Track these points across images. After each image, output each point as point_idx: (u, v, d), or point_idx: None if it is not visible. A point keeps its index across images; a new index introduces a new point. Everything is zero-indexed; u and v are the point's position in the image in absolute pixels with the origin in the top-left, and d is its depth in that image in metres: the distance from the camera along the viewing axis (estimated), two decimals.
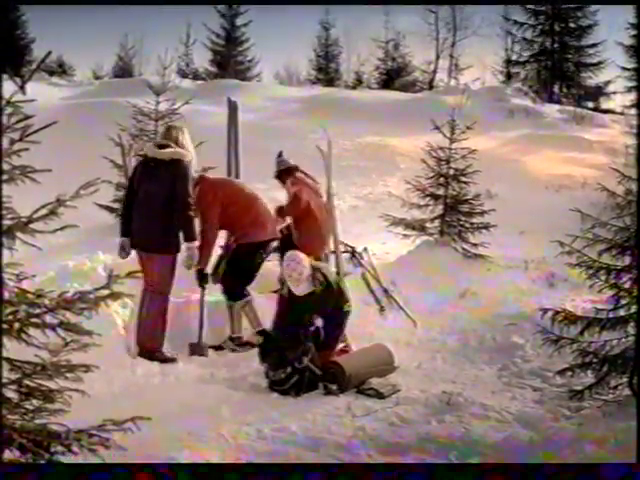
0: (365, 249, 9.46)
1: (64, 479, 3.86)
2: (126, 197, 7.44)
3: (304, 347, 6.48)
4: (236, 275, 7.62)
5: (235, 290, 7.60)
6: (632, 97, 28.95)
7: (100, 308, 4.02)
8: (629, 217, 5.89)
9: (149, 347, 6.92)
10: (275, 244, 7.90)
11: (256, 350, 6.85)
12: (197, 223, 7.32)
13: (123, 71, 38.35)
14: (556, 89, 33.05)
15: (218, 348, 7.43)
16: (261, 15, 49.20)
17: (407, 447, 5.10)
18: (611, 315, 5.91)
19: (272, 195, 9.26)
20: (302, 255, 6.82)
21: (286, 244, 7.92)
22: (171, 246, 7.05)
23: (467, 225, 10.08)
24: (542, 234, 10.03)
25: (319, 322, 6.79)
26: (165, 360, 6.87)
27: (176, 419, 5.35)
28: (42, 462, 3.87)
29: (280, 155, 8.76)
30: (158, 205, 6.98)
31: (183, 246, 7.09)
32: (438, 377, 6.84)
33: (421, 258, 9.66)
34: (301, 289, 6.66)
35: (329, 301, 6.78)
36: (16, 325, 3.85)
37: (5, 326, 3.82)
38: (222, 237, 7.90)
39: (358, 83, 36.61)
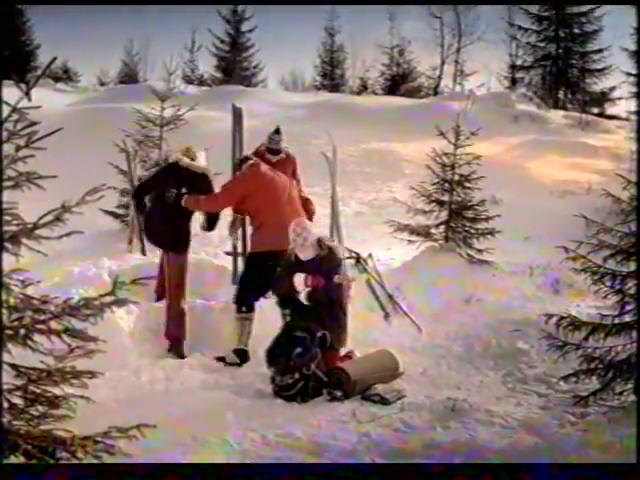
0: (370, 255, 9.46)
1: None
2: (142, 190, 8.14)
3: (312, 353, 6.48)
4: (240, 283, 7.68)
5: (235, 298, 7.57)
6: (637, 102, 28.87)
7: (105, 314, 4.02)
8: (634, 223, 5.88)
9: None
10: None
11: (261, 357, 6.84)
12: None
13: (128, 77, 38.43)
14: (561, 95, 33.06)
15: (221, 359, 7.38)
16: (266, 21, 49.39)
17: (412, 453, 5.10)
18: (616, 321, 5.91)
19: None
20: (307, 222, 7.18)
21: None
22: (187, 245, 7.77)
23: (472, 231, 10.07)
24: (547, 240, 10.03)
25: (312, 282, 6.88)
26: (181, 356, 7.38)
27: (181, 425, 5.34)
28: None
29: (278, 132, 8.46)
30: (183, 209, 7.64)
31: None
32: (443, 383, 6.82)
33: (426, 264, 9.65)
34: (306, 254, 6.91)
35: (330, 264, 6.95)
36: (22, 331, 3.86)
37: (10, 332, 3.83)
38: None
39: (363, 89, 36.60)
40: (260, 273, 7.46)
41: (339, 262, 7.09)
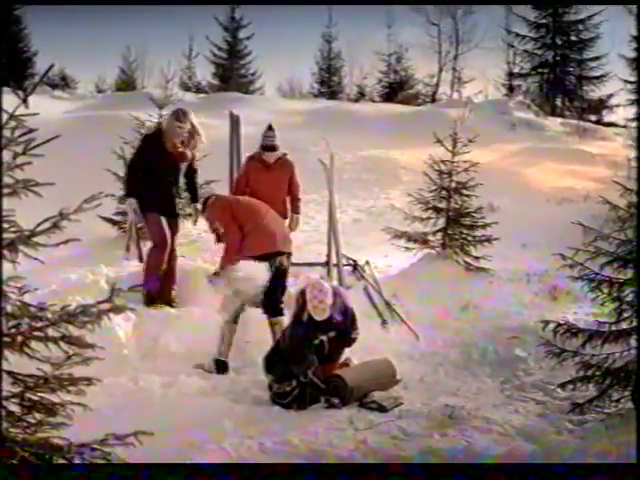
0: (367, 262, 9.46)
1: None
2: None
3: (308, 361, 6.47)
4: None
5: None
6: (635, 110, 28.91)
7: (102, 321, 4.01)
8: (631, 230, 5.89)
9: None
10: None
11: (259, 364, 6.82)
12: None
13: (125, 84, 38.41)
14: (558, 102, 33.10)
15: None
16: (264, 28, 49.32)
17: (409, 460, 5.10)
18: (613, 328, 5.91)
19: None
20: (326, 284, 6.80)
21: None
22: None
23: (469, 238, 10.08)
24: (544, 247, 10.04)
25: (323, 337, 6.78)
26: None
27: (178, 432, 5.33)
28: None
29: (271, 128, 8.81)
30: None
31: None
32: (440, 390, 6.82)
33: (423, 271, 9.65)
34: (322, 316, 6.61)
35: (344, 326, 6.80)
36: (19, 338, 3.85)
37: (8, 339, 3.82)
38: None
39: (361, 96, 36.66)
40: None
41: (354, 319, 6.93)
